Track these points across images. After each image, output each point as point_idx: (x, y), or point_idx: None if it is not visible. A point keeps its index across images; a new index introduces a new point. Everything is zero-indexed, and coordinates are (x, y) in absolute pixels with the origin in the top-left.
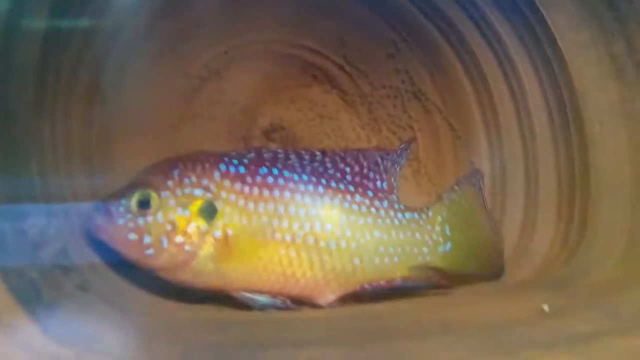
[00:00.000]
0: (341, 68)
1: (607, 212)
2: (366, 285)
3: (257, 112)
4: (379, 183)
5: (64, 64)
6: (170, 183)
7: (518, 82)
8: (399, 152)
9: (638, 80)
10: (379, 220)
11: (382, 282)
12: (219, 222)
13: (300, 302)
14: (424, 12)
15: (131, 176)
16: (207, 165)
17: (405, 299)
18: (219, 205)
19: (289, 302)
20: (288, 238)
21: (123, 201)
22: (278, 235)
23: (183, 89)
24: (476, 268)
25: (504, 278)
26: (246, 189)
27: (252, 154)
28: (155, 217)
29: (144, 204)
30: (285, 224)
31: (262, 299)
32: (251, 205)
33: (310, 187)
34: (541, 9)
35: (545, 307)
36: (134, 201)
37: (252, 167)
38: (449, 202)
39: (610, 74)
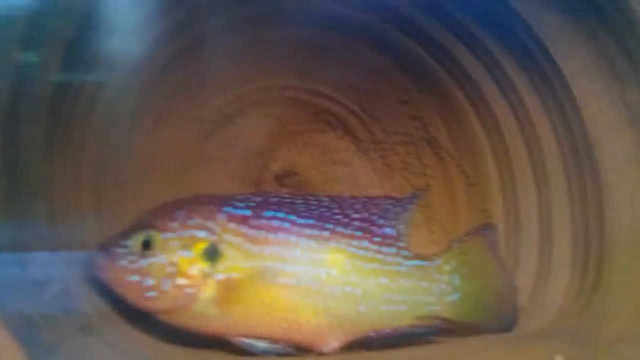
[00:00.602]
0: (355, 114)
1: (623, 262)
2: (372, 333)
3: (270, 157)
4: (387, 229)
5: (76, 109)
6: (173, 224)
7: (531, 129)
8: (409, 198)
9: None
10: (386, 267)
11: (388, 330)
12: (222, 265)
13: (302, 349)
14: (438, 59)
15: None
16: (211, 207)
17: (417, 347)
18: (222, 247)
19: (290, 349)
20: (292, 282)
21: (125, 242)
22: (282, 280)
23: (196, 133)
24: (485, 320)
25: (518, 328)
26: (251, 232)
27: (259, 198)
28: (158, 259)
29: (146, 246)
30: (289, 268)
31: (262, 344)
32: (256, 248)
33: (316, 231)
34: (554, 55)
35: (560, 359)
36: (136, 242)
37: (258, 210)
38: (458, 251)
39: (625, 122)
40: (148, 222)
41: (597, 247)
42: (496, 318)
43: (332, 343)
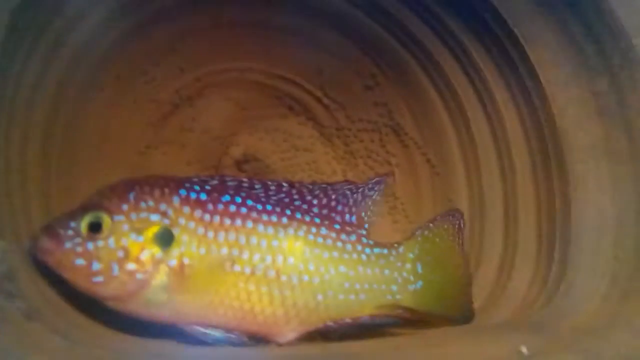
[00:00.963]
0: (318, 100)
1: (589, 253)
2: (330, 323)
3: (230, 142)
4: (347, 217)
5: (23, 81)
6: (125, 207)
7: (498, 118)
8: (370, 185)
9: (622, 118)
10: (345, 255)
11: (347, 320)
12: (175, 251)
13: (257, 339)
14: (404, 44)
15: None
16: (166, 190)
17: (382, 338)
18: (176, 232)
19: (245, 339)
20: (248, 270)
21: (72, 223)
22: (237, 268)
23: (152, 115)
24: (446, 309)
25: (478, 320)
26: (206, 216)
27: (216, 181)
28: (107, 242)
29: (95, 228)
30: (245, 255)
31: (216, 334)
32: (211, 234)
33: (274, 218)
34: (523, 43)
35: (524, 349)
36: (84, 224)
37: (215, 195)
38: (421, 239)
39: (593, 112)
40: (97, 203)
41: (562, 239)
42: (455, 308)
43: (289, 334)
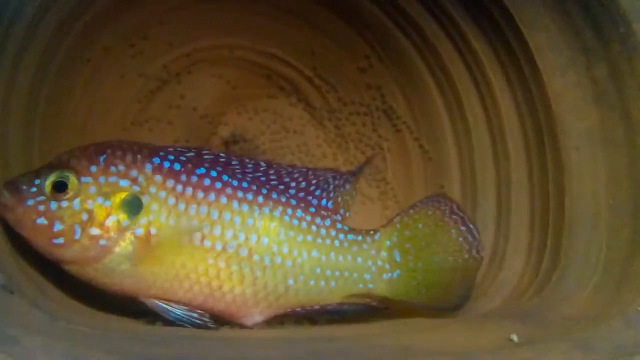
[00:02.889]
0: (310, 81)
1: (582, 242)
2: (298, 309)
3: (219, 121)
4: (324, 201)
5: (6, 50)
6: (93, 169)
7: (494, 103)
8: (353, 172)
9: (620, 106)
10: (319, 240)
11: (316, 307)
12: (143, 219)
13: (222, 319)
14: (400, 26)
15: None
16: (139, 157)
17: (365, 323)
18: (145, 200)
19: (207, 319)
20: (219, 247)
21: (37, 181)
22: (208, 243)
23: (139, 90)
24: (431, 298)
25: (471, 308)
26: (179, 187)
27: (192, 153)
28: (71, 204)
29: (61, 188)
30: (217, 231)
31: (177, 311)
32: (182, 205)
33: (250, 196)
34: (521, 27)
35: (515, 337)
36: (49, 182)
37: (189, 166)
38: (400, 225)
39: (590, 99)
40: (65, 163)
41: (555, 228)
42: (446, 296)
43: (256, 317)
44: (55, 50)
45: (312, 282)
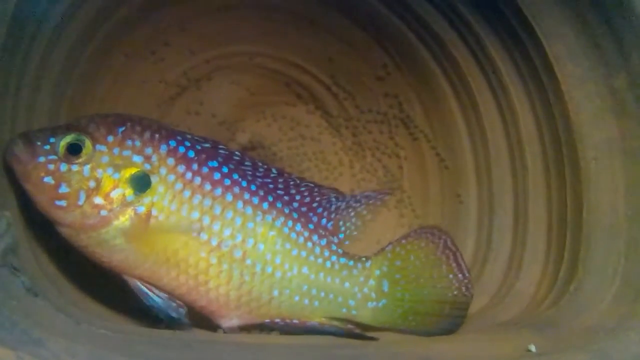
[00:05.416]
0: (328, 88)
1: (600, 252)
2: (277, 320)
3: (237, 127)
4: (324, 220)
5: (30, 58)
6: (110, 138)
7: (511, 112)
8: (358, 198)
9: (639, 116)
10: (312, 257)
11: (295, 321)
12: (146, 199)
13: (199, 315)
14: (418, 34)
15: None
16: (156, 136)
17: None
18: (154, 180)
19: (183, 312)
20: (214, 242)
21: (52, 138)
22: (204, 236)
23: (159, 96)
24: (417, 326)
25: (488, 317)
26: (188, 174)
27: (208, 145)
28: (81, 168)
29: (74, 150)
30: (216, 226)
31: (156, 298)
32: (187, 193)
33: (256, 200)
34: (540, 37)
35: (532, 347)
36: (63, 143)
37: (203, 156)
38: (391, 255)
39: (609, 109)
40: (84, 126)
41: (573, 238)
42: (432, 325)
43: (234, 319)
44: (78, 56)
45: (297, 298)
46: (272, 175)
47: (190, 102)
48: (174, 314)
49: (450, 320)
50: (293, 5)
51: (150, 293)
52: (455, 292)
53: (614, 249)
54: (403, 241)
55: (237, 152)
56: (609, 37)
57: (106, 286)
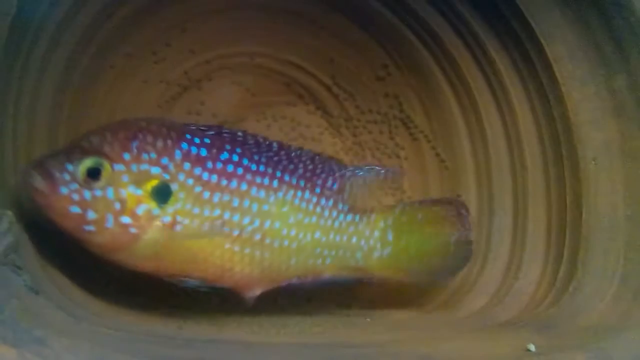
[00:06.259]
0: (328, 88)
1: (599, 252)
2: (294, 280)
3: (237, 127)
4: (329, 182)
5: (32, 58)
6: (126, 156)
7: (511, 113)
8: (362, 167)
9: (639, 117)
10: (322, 221)
11: (310, 278)
12: (170, 208)
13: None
14: (418, 35)
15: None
16: (169, 142)
17: (384, 331)
18: (174, 188)
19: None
20: (236, 232)
21: (69, 166)
22: (227, 229)
23: (160, 96)
24: (423, 269)
25: (488, 317)
26: (205, 175)
27: (213, 132)
28: (105, 192)
29: (94, 174)
30: (236, 218)
31: (193, 282)
32: (207, 194)
33: (266, 181)
34: (540, 37)
35: (532, 347)
36: (82, 169)
37: (214, 151)
38: (399, 210)
39: (609, 110)
40: (98, 148)
41: (572, 238)
42: (440, 266)
43: (256, 290)
44: (80, 56)
45: (311, 261)
46: (274, 149)
47: (191, 102)
48: (206, 289)
49: (456, 259)
50: (294, 5)
51: (184, 280)
52: (458, 234)
53: (614, 249)
54: (416, 203)
55: (239, 133)
56: (608, 38)
57: (108, 284)
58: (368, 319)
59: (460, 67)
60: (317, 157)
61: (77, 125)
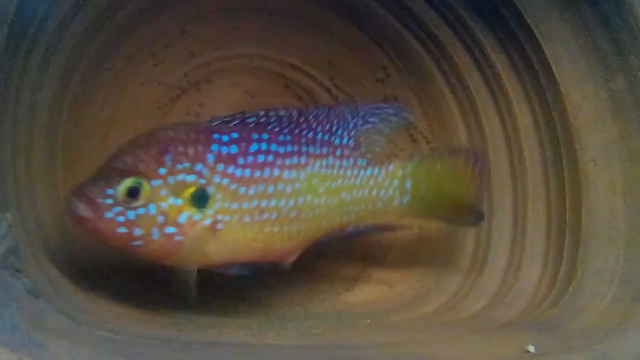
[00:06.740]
0: (327, 90)
1: (598, 253)
2: (322, 237)
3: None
4: (345, 140)
5: (31, 60)
6: (162, 171)
7: (510, 114)
8: (373, 111)
9: (638, 118)
10: (345, 181)
11: (335, 233)
12: (210, 210)
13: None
14: (417, 36)
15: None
16: (199, 148)
17: (384, 332)
18: (210, 191)
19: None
20: (274, 216)
21: (109, 190)
22: (266, 215)
23: (160, 98)
24: (443, 216)
25: (488, 318)
26: (238, 172)
27: (237, 120)
28: (147, 209)
29: (133, 193)
30: (273, 203)
31: (234, 268)
32: (243, 189)
33: (295, 160)
34: (539, 39)
35: (531, 348)
36: (122, 190)
37: (243, 145)
38: (417, 160)
39: (608, 112)
40: (134, 168)
41: (572, 239)
42: (458, 217)
43: (293, 257)
44: (79, 58)
45: (337, 219)
46: (294, 117)
47: (190, 104)
48: (246, 273)
49: (474, 206)
50: (293, 7)
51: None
52: (476, 183)
53: (613, 250)
54: (433, 152)
55: (261, 113)
56: (607, 39)
57: (107, 287)
58: (368, 321)
59: (459, 68)
60: (331, 112)
61: (76, 128)
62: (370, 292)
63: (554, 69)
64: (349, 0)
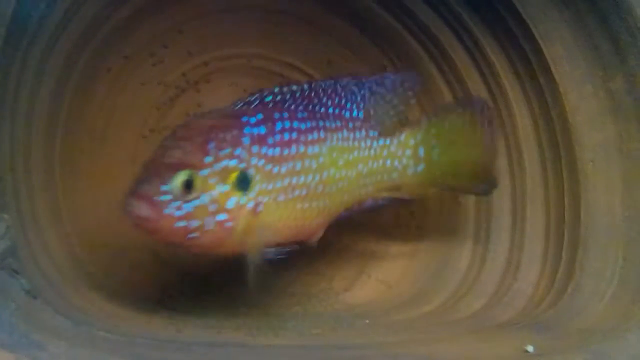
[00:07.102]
0: None
1: (597, 253)
2: (343, 212)
3: None
4: (355, 112)
5: (29, 60)
6: (208, 159)
7: (509, 114)
8: (377, 80)
9: (636, 118)
10: (361, 153)
11: (354, 207)
12: (252, 192)
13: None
14: (415, 36)
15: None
16: (235, 132)
17: (383, 332)
18: (251, 173)
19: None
20: (304, 192)
21: (164, 187)
22: (297, 192)
23: (158, 98)
24: (457, 184)
25: (486, 318)
26: (270, 151)
27: (257, 100)
28: (202, 200)
29: (188, 186)
30: (302, 179)
31: (269, 253)
32: (276, 169)
33: (315, 135)
34: (538, 38)
35: (530, 348)
36: (177, 185)
37: (270, 125)
38: (427, 124)
39: (607, 111)
40: (184, 161)
41: (570, 239)
42: (473, 184)
43: (320, 233)
44: (77, 58)
45: (356, 192)
46: (306, 92)
47: (189, 103)
48: (283, 255)
49: (487, 158)
50: (291, 7)
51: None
52: (484, 132)
53: (612, 250)
54: (438, 110)
55: (275, 90)
56: (606, 39)
57: (107, 287)
58: (367, 321)
59: (457, 68)
60: (338, 86)
61: (74, 127)
62: (369, 291)
63: (552, 69)
64: (348, 1)
